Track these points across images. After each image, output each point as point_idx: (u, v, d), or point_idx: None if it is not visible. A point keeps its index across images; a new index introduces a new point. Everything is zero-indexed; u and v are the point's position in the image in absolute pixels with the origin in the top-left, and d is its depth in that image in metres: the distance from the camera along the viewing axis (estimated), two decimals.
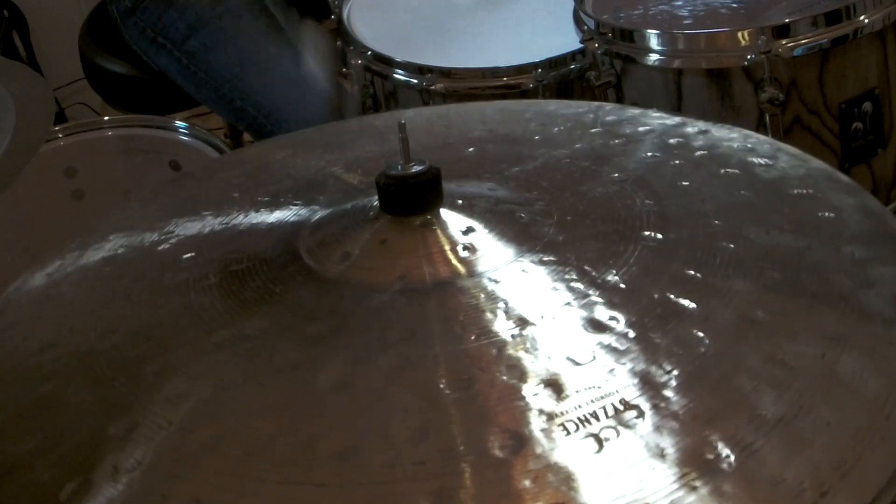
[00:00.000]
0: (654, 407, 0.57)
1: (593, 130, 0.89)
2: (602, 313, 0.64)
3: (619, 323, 0.63)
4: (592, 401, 0.58)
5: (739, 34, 1.31)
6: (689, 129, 0.87)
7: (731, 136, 0.86)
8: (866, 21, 1.31)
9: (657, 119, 0.90)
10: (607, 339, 0.62)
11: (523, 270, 0.68)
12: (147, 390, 0.65)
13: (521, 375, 0.60)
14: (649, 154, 0.84)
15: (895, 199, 1.41)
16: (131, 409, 0.63)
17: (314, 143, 0.97)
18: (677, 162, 0.82)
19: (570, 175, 0.81)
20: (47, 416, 0.65)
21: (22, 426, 0.65)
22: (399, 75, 1.59)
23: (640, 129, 0.89)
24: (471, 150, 0.88)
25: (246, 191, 0.87)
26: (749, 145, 0.84)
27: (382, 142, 0.88)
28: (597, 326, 0.63)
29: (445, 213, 0.72)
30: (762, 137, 0.86)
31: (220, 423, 0.61)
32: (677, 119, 0.90)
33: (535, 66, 1.51)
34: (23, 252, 1.68)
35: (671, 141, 0.86)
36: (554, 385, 0.59)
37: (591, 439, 0.56)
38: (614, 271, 0.68)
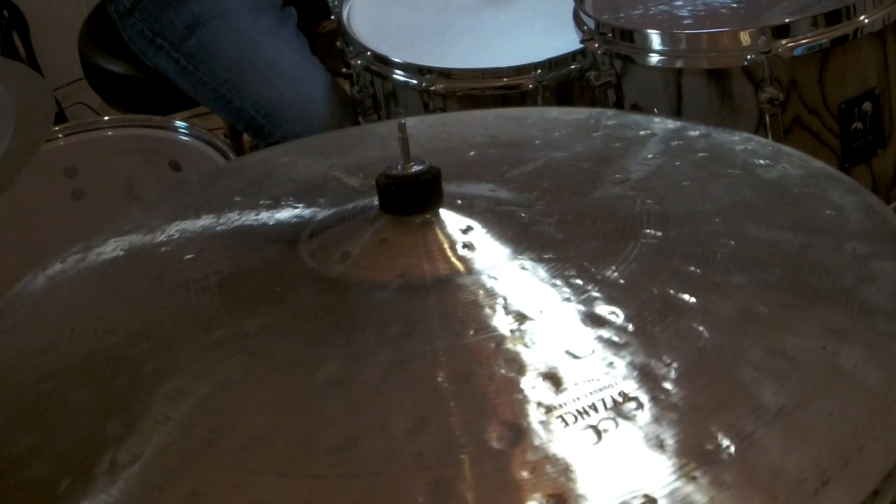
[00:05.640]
0: (654, 399, 0.57)
1: (595, 134, 0.90)
2: (601, 308, 0.64)
3: (619, 317, 0.63)
4: (591, 393, 0.58)
5: (740, 34, 1.31)
6: (691, 133, 0.87)
7: (732, 139, 0.86)
8: (866, 21, 1.30)
9: (659, 123, 0.91)
10: (606, 332, 0.62)
11: (522, 267, 0.68)
12: (146, 388, 0.65)
13: (520, 369, 0.60)
14: (650, 156, 0.84)
15: (895, 199, 1.41)
16: (130, 406, 0.63)
17: (317, 150, 0.97)
18: (678, 163, 0.82)
19: (571, 176, 0.82)
20: (46, 414, 0.65)
21: (20, 425, 0.65)
22: (399, 76, 1.59)
23: (642, 132, 0.89)
24: (472, 154, 0.88)
25: (248, 195, 0.87)
26: (750, 147, 0.84)
27: (384, 147, 0.88)
28: (596, 321, 0.63)
29: (445, 213, 0.72)
30: (764, 140, 0.86)
31: (218, 418, 0.61)
32: (679, 123, 0.90)
33: (534, 66, 1.50)
34: (23, 252, 1.68)
35: (673, 143, 0.86)
36: (552, 378, 0.59)
37: (590, 431, 0.56)
38: (614, 268, 0.68)
